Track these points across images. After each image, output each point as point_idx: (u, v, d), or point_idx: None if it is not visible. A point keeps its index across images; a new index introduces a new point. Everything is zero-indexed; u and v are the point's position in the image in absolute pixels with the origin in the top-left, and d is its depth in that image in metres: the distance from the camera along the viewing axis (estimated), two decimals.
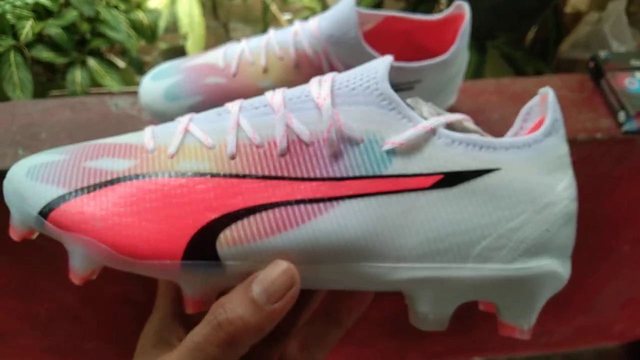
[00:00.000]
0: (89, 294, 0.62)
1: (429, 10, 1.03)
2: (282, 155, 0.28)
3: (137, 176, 0.28)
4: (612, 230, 0.63)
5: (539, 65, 1.03)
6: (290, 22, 1.16)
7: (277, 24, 1.18)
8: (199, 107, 0.46)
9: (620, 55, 0.56)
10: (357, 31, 0.43)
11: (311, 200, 0.28)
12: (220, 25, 1.20)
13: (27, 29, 0.87)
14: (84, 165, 0.29)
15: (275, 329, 0.28)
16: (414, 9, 1.01)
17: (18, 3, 0.81)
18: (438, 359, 0.82)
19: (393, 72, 0.46)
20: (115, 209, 0.27)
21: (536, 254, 0.28)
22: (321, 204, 0.28)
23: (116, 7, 0.96)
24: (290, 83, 0.46)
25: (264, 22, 1.14)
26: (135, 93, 0.51)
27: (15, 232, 0.29)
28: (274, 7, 1.15)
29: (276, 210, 0.28)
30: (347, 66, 0.45)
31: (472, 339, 0.79)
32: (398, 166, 0.28)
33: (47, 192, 0.28)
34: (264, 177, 0.28)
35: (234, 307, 0.26)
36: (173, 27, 1.06)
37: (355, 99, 0.29)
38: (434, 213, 0.28)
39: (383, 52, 0.49)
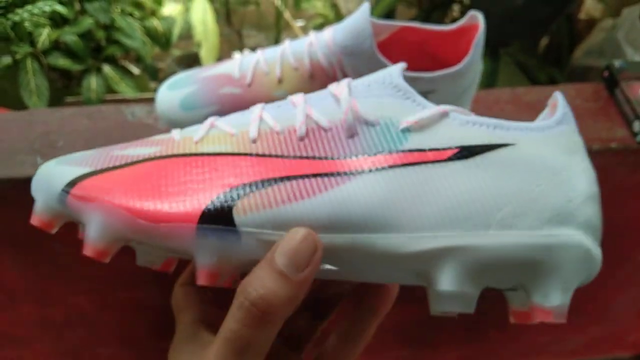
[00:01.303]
0: (104, 300, 0.63)
1: (442, 18, 1.03)
2: (301, 139, 0.29)
3: (159, 157, 0.30)
4: (627, 239, 0.63)
5: (553, 73, 1.02)
6: (303, 28, 1.17)
7: (290, 30, 1.18)
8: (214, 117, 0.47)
9: (635, 65, 0.56)
10: (372, 42, 0.44)
11: (328, 174, 0.28)
12: (234, 31, 1.21)
13: (44, 36, 0.88)
14: (112, 153, 0.30)
15: (296, 334, 0.29)
16: (426, 16, 1.01)
17: (35, 11, 0.82)
18: None
19: (407, 82, 0.46)
20: (136, 180, 0.28)
21: (562, 222, 0.27)
22: (338, 177, 0.28)
23: (131, 14, 0.97)
24: (305, 93, 0.47)
25: (277, 28, 1.15)
26: (151, 101, 0.52)
27: (36, 218, 0.30)
28: (287, 14, 1.16)
29: (294, 181, 0.28)
30: (362, 76, 0.46)
31: (485, 348, 0.78)
32: (414, 142, 0.28)
33: (72, 172, 0.29)
34: (283, 157, 0.29)
35: (263, 284, 0.26)
36: (187, 34, 1.07)
37: (371, 92, 0.31)
38: (450, 183, 0.27)
39: (397, 62, 0.50)
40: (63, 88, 0.99)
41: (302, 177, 0.28)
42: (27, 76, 0.86)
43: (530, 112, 0.55)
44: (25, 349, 0.68)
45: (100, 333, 0.68)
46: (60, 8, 0.85)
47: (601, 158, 0.52)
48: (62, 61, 0.90)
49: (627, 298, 0.72)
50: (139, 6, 1.01)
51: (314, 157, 0.29)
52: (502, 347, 0.78)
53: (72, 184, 0.28)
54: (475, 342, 0.76)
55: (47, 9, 0.83)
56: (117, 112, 0.54)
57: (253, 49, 0.51)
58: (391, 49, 0.50)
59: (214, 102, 0.47)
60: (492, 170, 0.28)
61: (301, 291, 0.27)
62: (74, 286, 0.61)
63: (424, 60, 0.51)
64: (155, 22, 1.00)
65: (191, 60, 1.14)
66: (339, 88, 0.31)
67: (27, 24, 0.86)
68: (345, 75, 0.46)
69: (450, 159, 0.28)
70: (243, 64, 0.48)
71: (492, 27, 1.05)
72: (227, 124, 0.32)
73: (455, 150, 0.28)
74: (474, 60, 0.46)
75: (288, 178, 0.28)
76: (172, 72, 0.77)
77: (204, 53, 1.05)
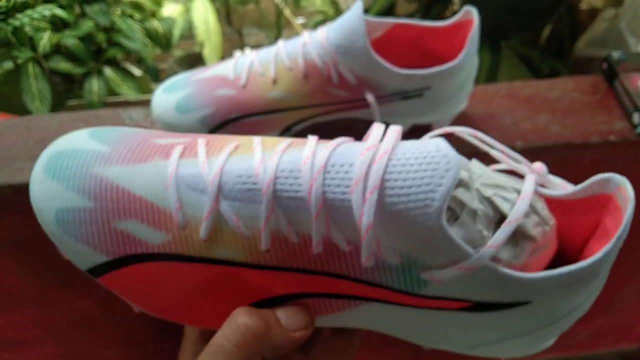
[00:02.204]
0: (107, 302, 0.63)
1: (442, 12, 1.03)
2: (318, 253, 0.27)
3: (172, 256, 0.29)
4: (630, 231, 0.63)
5: (555, 64, 1.02)
6: (303, 26, 1.17)
7: (290, 28, 1.18)
8: (210, 119, 0.47)
9: (634, 56, 0.55)
10: (365, 40, 0.44)
11: (343, 296, 0.29)
12: (234, 31, 1.21)
13: (45, 40, 0.88)
14: (114, 225, 0.29)
15: None
16: (426, 11, 1.01)
17: (35, 15, 0.83)
18: None
19: (402, 79, 0.46)
20: (154, 287, 0.30)
21: None
22: (351, 300, 0.29)
23: (131, 16, 0.98)
24: (300, 93, 0.47)
25: (277, 26, 1.15)
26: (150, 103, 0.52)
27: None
28: (287, 12, 1.16)
29: (309, 300, 0.30)
30: (356, 75, 0.45)
31: None
32: (432, 291, 0.27)
33: (88, 256, 0.29)
34: (299, 271, 0.28)
35: (263, 322, 0.28)
36: (188, 34, 1.07)
37: (400, 218, 0.25)
38: (457, 327, 0.29)
39: (392, 60, 0.50)
40: (65, 92, 0.99)
41: (318, 295, 0.29)
42: (29, 81, 0.86)
43: (527, 106, 0.55)
44: (29, 353, 0.69)
45: (104, 336, 0.68)
46: (60, 12, 0.85)
47: (600, 151, 0.52)
48: (63, 65, 0.90)
49: (632, 290, 0.71)
50: (139, 8, 1.01)
51: (329, 274, 0.28)
52: None
53: (95, 273, 0.30)
54: None
55: (47, 13, 0.83)
56: (115, 116, 0.54)
57: (254, 47, 0.51)
58: (386, 46, 0.50)
59: (210, 104, 0.47)
60: (500, 323, 0.28)
61: (290, 347, 0.30)
62: (77, 289, 0.61)
63: (419, 57, 0.51)
64: (155, 24, 1.00)
65: (193, 61, 1.15)
66: (365, 207, 0.25)
67: (27, 28, 0.86)
68: (339, 74, 0.45)
69: (460, 309, 0.28)
70: (237, 65, 0.48)
71: (493, 20, 1.05)
72: (234, 213, 0.27)
73: (468, 304, 0.28)
74: (469, 56, 0.46)
75: (303, 295, 0.29)
76: (173, 73, 0.77)
77: (207, 52, 1.06)
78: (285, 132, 0.50)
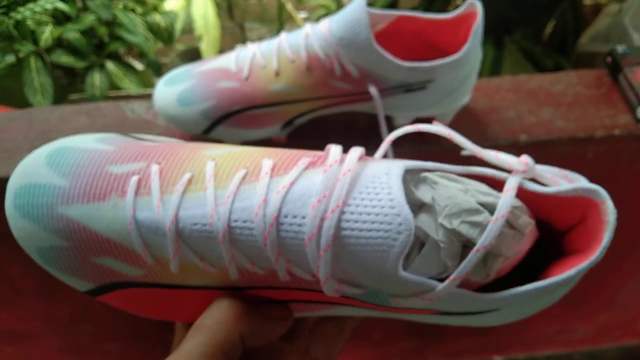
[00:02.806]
0: None
1: (444, 6, 1.02)
2: (285, 280, 0.28)
3: (151, 284, 0.30)
4: (633, 226, 0.62)
5: (558, 59, 1.01)
6: (306, 20, 1.16)
7: (292, 22, 1.18)
8: (211, 111, 0.47)
9: (639, 50, 0.55)
10: (368, 33, 0.43)
11: (315, 302, 0.30)
12: (236, 25, 1.20)
13: (47, 34, 0.88)
14: (92, 260, 0.30)
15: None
16: (428, 5, 1.00)
17: (37, 9, 0.82)
18: (458, 358, 0.81)
19: (405, 71, 0.46)
20: (142, 306, 0.32)
21: None
22: (324, 304, 0.30)
23: (133, 10, 0.97)
24: (302, 85, 0.46)
25: (279, 21, 1.15)
26: (152, 96, 0.52)
27: None
28: (289, 6, 1.15)
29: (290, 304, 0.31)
30: (359, 68, 0.45)
31: (491, 337, 0.78)
32: (401, 305, 0.27)
33: (77, 283, 0.31)
34: (270, 288, 0.29)
35: (238, 313, 0.29)
36: (190, 28, 1.07)
37: (357, 267, 0.25)
38: (428, 319, 0.30)
39: (396, 52, 0.49)
40: (67, 85, 0.99)
41: (292, 301, 0.30)
42: (30, 74, 0.86)
43: (531, 99, 0.54)
44: (32, 346, 0.69)
45: (106, 328, 0.68)
46: (62, 5, 0.85)
47: (604, 145, 0.52)
48: (65, 58, 0.90)
49: (634, 285, 0.71)
50: (141, 2, 1.00)
51: (300, 289, 0.28)
52: (509, 337, 0.78)
53: (89, 294, 0.31)
54: (481, 332, 0.76)
55: (49, 6, 0.83)
56: (117, 108, 0.54)
57: (256, 42, 0.50)
58: (389, 38, 0.50)
59: (212, 97, 0.47)
60: (470, 320, 0.29)
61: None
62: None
63: (422, 50, 0.51)
64: (157, 17, 1.00)
65: (195, 55, 1.14)
66: (320, 263, 0.25)
67: (29, 22, 0.86)
68: (342, 66, 0.45)
69: (434, 314, 0.29)
70: (240, 57, 0.48)
71: (496, 14, 1.04)
72: (197, 254, 0.28)
73: (436, 312, 0.28)
74: (472, 49, 0.46)
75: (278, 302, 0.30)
76: (175, 67, 0.77)
77: (205, 47, 1.05)
78: (288, 124, 0.50)
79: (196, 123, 0.47)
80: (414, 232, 0.23)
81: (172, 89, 0.48)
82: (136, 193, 0.28)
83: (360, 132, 0.52)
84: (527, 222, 0.27)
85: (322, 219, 0.24)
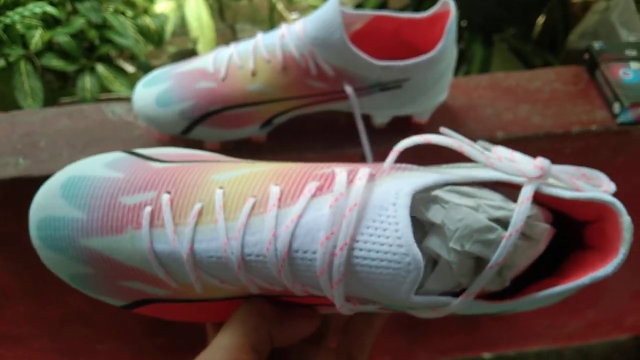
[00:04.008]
0: None
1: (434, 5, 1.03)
2: (303, 295, 0.29)
3: (178, 300, 0.32)
4: None
5: (548, 57, 1.01)
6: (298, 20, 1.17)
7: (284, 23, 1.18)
8: (190, 112, 0.47)
9: (615, 46, 0.56)
10: (342, 32, 0.44)
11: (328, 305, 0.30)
12: (227, 26, 1.21)
13: (37, 38, 0.89)
14: (120, 284, 0.31)
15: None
16: (418, 4, 1.01)
17: (26, 13, 0.83)
18: (447, 355, 0.82)
19: (379, 70, 0.46)
20: (173, 315, 0.34)
21: None
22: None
23: (123, 13, 0.98)
24: (278, 85, 0.47)
25: (270, 22, 1.15)
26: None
27: None
28: (280, 7, 1.16)
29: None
30: (334, 67, 0.46)
31: (480, 334, 0.78)
32: (416, 311, 0.28)
33: (110, 301, 0.33)
34: (290, 296, 0.30)
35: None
36: (180, 30, 1.07)
37: (371, 295, 0.26)
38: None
39: (374, 52, 0.50)
40: (59, 89, 1.00)
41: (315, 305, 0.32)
42: (21, 78, 0.86)
43: (508, 97, 0.55)
44: (22, 348, 0.69)
45: (97, 330, 0.69)
46: (51, 9, 0.85)
47: (581, 141, 0.52)
48: (55, 62, 0.90)
49: (621, 281, 0.71)
50: (131, 4, 1.01)
51: (319, 297, 0.29)
52: (497, 334, 0.78)
53: (126, 309, 0.33)
54: (470, 329, 0.76)
55: (38, 10, 0.84)
56: (98, 111, 0.54)
57: None
58: (367, 38, 0.50)
59: (189, 97, 0.47)
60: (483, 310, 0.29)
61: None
62: (68, 284, 0.62)
63: (400, 49, 0.51)
64: (147, 20, 1.00)
65: (186, 57, 1.14)
66: (335, 292, 0.26)
67: (19, 26, 0.86)
68: (317, 66, 0.46)
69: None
70: (217, 58, 0.49)
71: (485, 13, 1.05)
72: (213, 276, 0.29)
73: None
74: (446, 47, 0.46)
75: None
76: None
77: (202, 49, 1.06)
78: (267, 124, 0.50)
79: (175, 123, 0.48)
80: (422, 269, 0.24)
81: (151, 90, 0.49)
82: (151, 225, 0.29)
83: (340, 131, 0.53)
84: (542, 229, 0.26)
85: (332, 255, 0.25)
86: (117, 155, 0.33)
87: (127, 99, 0.55)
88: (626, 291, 0.74)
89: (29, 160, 0.50)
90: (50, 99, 0.93)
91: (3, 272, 0.60)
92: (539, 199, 0.27)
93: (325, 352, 0.35)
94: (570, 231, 0.30)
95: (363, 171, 0.27)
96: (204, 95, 0.47)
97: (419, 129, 0.52)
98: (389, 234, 0.24)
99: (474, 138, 0.52)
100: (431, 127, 0.52)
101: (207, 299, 0.31)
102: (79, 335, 0.70)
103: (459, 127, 0.52)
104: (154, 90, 0.48)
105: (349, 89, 0.47)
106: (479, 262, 0.26)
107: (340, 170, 0.27)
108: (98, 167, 0.32)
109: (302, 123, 0.52)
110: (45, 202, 0.31)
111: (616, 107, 0.51)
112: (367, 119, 0.51)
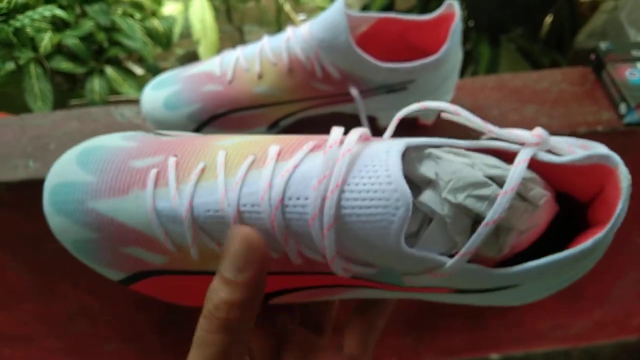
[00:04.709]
0: (107, 296, 0.64)
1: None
2: (299, 264, 0.29)
3: (175, 271, 0.32)
4: (624, 222, 0.63)
5: (555, 57, 1.01)
6: (304, 22, 1.17)
7: (291, 25, 1.18)
8: (197, 115, 0.48)
9: (622, 46, 0.55)
10: (347, 35, 0.44)
11: (329, 286, 0.30)
12: (235, 28, 1.21)
13: (46, 40, 0.90)
14: (121, 250, 0.32)
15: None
16: (424, 6, 1.01)
17: (36, 16, 0.84)
18: (453, 355, 0.82)
19: (385, 72, 0.47)
20: (171, 293, 0.34)
21: None
22: (338, 288, 0.30)
23: (131, 15, 0.99)
24: (284, 88, 0.47)
25: (277, 23, 1.16)
26: None
27: None
28: (287, 8, 1.16)
29: (298, 292, 0.31)
30: (339, 69, 0.46)
31: (488, 334, 0.78)
32: (416, 284, 0.28)
33: (110, 273, 0.33)
34: (284, 274, 0.30)
35: (215, 292, 0.27)
36: (189, 33, 1.08)
37: (362, 244, 0.26)
38: (446, 298, 0.30)
39: (379, 54, 0.50)
40: (68, 91, 1.01)
41: (306, 288, 0.31)
42: (30, 81, 0.87)
43: (515, 98, 0.55)
44: (31, 347, 0.70)
45: (104, 330, 0.70)
46: (60, 12, 0.86)
47: None
48: (64, 64, 0.91)
49: (628, 281, 0.71)
50: (139, 7, 1.02)
51: (313, 273, 0.29)
52: (503, 333, 0.78)
53: (122, 283, 0.34)
54: (476, 328, 0.76)
55: (48, 13, 0.85)
56: (106, 113, 0.55)
57: None
58: (372, 40, 0.51)
59: (197, 100, 0.48)
60: (489, 298, 0.29)
61: (250, 293, 0.27)
62: (75, 283, 0.63)
63: (405, 51, 0.52)
64: (155, 22, 1.01)
65: (194, 59, 1.15)
66: (326, 241, 0.26)
67: (28, 29, 0.87)
68: (323, 68, 0.46)
69: (451, 292, 0.29)
70: (224, 61, 0.49)
71: (492, 13, 1.04)
72: (213, 239, 0.29)
73: (451, 290, 0.28)
74: (451, 49, 0.47)
75: (296, 289, 0.31)
76: None
77: (203, 51, 1.06)
78: (273, 127, 0.50)
79: (182, 126, 0.49)
80: (412, 205, 0.24)
81: (159, 93, 0.49)
82: (155, 185, 0.30)
83: (346, 133, 0.53)
84: (540, 193, 0.26)
85: (324, 199, 0.25)
86: (134, 132, 0.35)
87: (136, 101, 0.56)
88: (633, 292, 0.74)
89: (38, 163, 0.51)
90: (60, 101, 0.94)
91: (13, 273, 0.60)
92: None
93: (331, 352, 0.35)
94: (578, 219, 0.30)
95: (356, 130, 0.27)
96: (211, 98, 0.48)
97: (425, 131, 0.53)
98: (379, 174, 0.25)
99: (479, 139, 0.52)
100: (437, 128, 0.53)
101: (203, 272, 0.31)
102: (86, 334, 0.71)
103: (465, 128, 0.52)
104: (162, 93, 0.49)
105: (354, 91, 0.47)
106: (476, 227, 0.25)
107: (337, 129, 0.28)
108: (115, 139, 0.33)
109: (308, 125, 0.52)
110: (60, 169, 0.32)
111: (622, 107, 0.51)
112: (372, 120, 0.52)
